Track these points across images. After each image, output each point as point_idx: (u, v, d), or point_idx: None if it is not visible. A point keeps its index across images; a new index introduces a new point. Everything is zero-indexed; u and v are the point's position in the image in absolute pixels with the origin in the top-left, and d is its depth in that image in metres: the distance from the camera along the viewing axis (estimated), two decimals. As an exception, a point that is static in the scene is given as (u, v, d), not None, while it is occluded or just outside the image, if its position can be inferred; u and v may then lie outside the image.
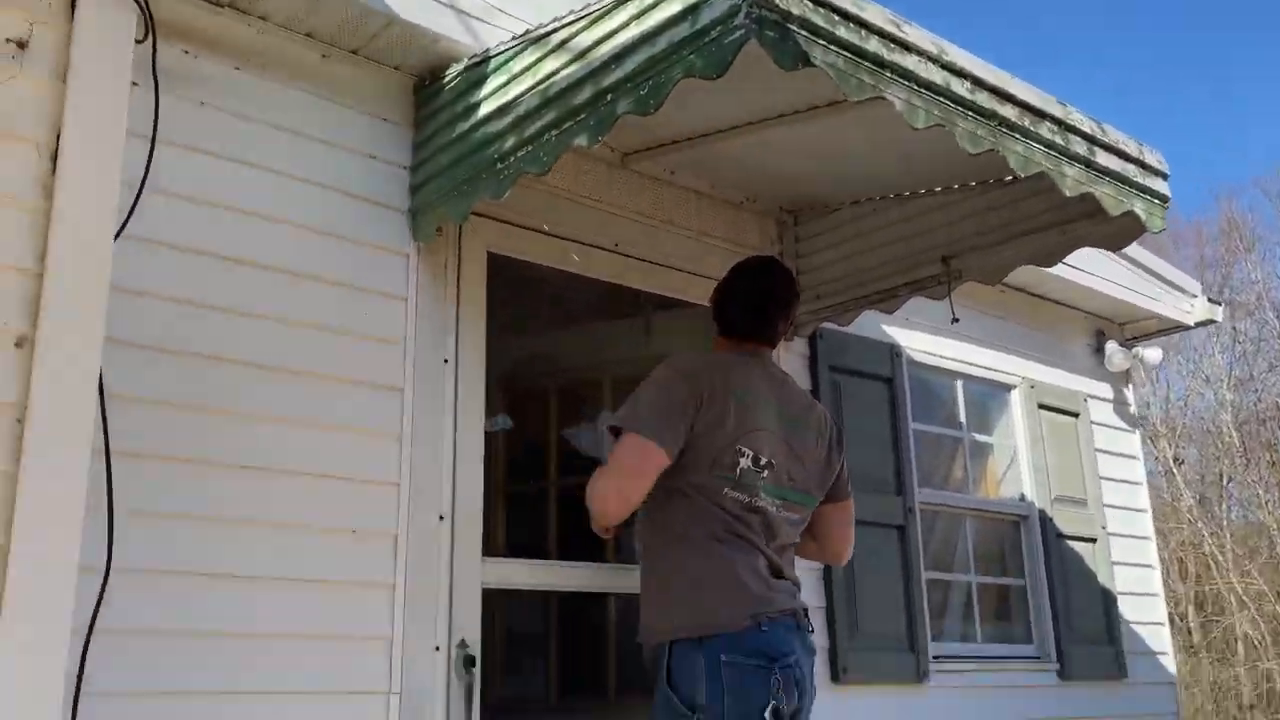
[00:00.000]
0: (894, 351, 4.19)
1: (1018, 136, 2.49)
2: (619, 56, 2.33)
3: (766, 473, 2.53)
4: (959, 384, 4.56)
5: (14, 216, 1.92)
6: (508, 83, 2.64)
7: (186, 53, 2.63)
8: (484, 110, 2.70)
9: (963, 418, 4.55)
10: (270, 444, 2.56)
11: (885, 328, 4.20)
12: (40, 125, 1.97)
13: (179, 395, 2.46)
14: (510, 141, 2.57)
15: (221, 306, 2.56)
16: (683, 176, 3.56)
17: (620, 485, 2.40)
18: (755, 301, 2.70)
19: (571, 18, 2.51)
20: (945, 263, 3.36)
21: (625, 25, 2.32)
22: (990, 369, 4.63)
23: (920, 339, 4.34)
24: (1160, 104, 32.09)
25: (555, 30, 2.53)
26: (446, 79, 2.90)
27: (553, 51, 2.52)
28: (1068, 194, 2.59)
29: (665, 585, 2.50)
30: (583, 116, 2.39)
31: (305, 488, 2.59)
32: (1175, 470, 17.21)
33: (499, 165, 2.60)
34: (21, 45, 1.97)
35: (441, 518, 2.80)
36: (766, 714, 2.36)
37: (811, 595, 3.56)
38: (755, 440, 2.52)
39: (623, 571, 3.09)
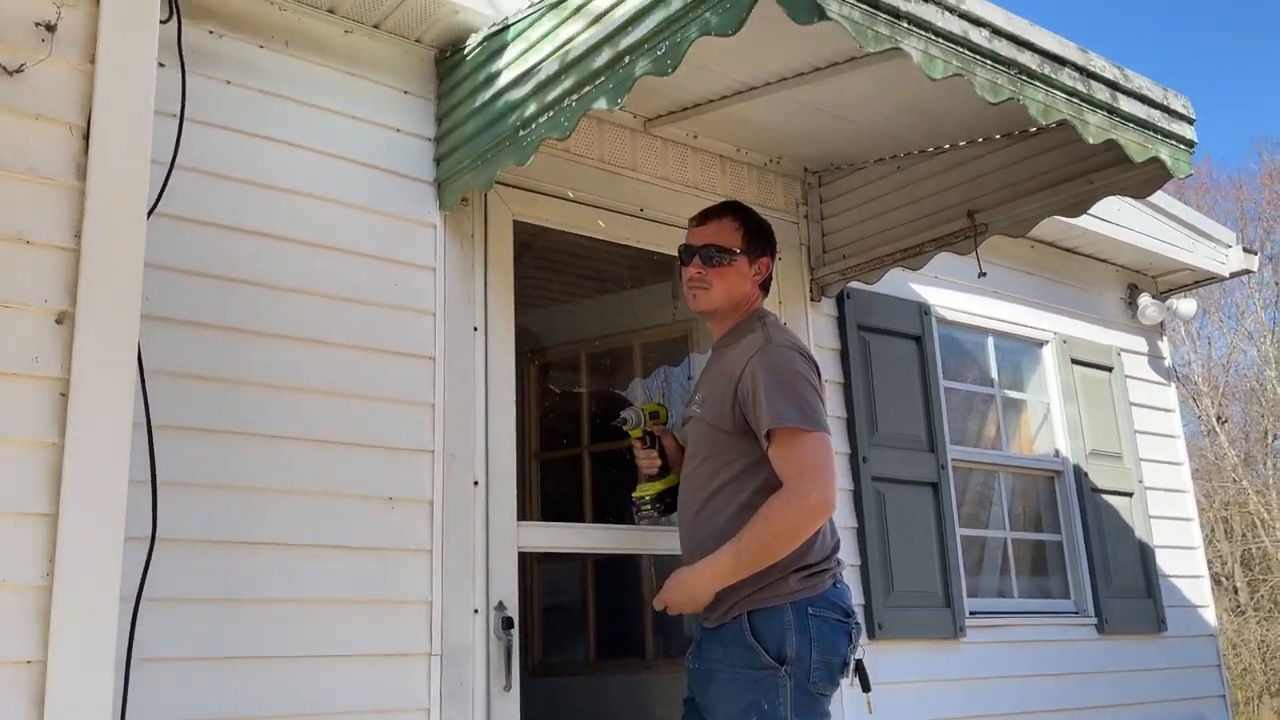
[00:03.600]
0: (923, 309, 4.18)
1: (1038, 84, 2.47)
2: (635, 18, 2.34)
3: None
4: (990, 340, 4.55)
5: (50, 195, 1.97)
6: (527, 50, 2.66)
7: (211, 32, 2.67)
8: (505, 79, 2.72)
9: (994, 374, 4.54)
10: (306, 415, 2.62)
11: (914, 286, 4.19)
12: (71, 106, 2.02)
13: (215, 368, 2.51)
14: (531, 108, 2.60)
15: (252, 280, 2.61)
16: (705, 140, 3.56)
17: (829, 485, 2.41)
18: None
19: (587, -18, 2.52)
20: (971, 217, 3.35)
21: (641, -13, 2.34)
22: (1021, 324, 4.60)
23: (949, 296, 4.32)
24: (1194, 55, 31.40)
25: (572, -5, 2.55)
26: (467, 49, 2.93)
27: (570, 16, 2.53)
28: (1091, 141, 2.57)
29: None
30: (602, 80, 2.41)
31: (342, 457, 2.65)
32: (1219, 429, 16.98)
33: (521, 132, 2.62)
34: (50, 28, 2.01)
35: (476, 483, 2.85)
36: (848, 666, 2.48)
37: (846, 554, 3.55)
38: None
39: (653, 534, 3.12)
